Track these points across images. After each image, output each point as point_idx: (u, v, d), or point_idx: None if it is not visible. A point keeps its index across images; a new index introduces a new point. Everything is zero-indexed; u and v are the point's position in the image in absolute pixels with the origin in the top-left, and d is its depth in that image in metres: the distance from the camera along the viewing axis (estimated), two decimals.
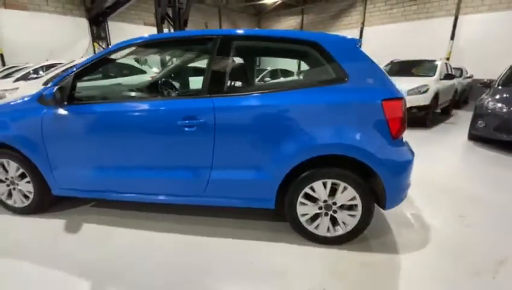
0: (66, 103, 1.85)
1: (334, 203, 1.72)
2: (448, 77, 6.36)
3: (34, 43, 11.28)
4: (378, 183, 1.66)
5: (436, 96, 5.73)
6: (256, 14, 19.70)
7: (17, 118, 1.99)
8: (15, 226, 2.06)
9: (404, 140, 1.77)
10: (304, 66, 1.81)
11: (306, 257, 1.73)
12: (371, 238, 1.90)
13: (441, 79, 6.14)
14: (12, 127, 1.98)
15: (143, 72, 5.30)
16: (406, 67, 6.76)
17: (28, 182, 2.09)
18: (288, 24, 18.25)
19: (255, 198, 1.81)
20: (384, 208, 1.72)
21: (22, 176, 2.09)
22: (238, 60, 1.82)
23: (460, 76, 8.51)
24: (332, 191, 1.70)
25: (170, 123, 1.72)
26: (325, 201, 1.73)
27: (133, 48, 1.90)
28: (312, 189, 1.71)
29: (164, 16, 6.89)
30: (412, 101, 5.23)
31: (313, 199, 1.74)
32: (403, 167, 1.65)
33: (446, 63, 7.11)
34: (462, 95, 8.98)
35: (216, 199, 1.86)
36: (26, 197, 2.15)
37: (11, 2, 11.33)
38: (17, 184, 2.12)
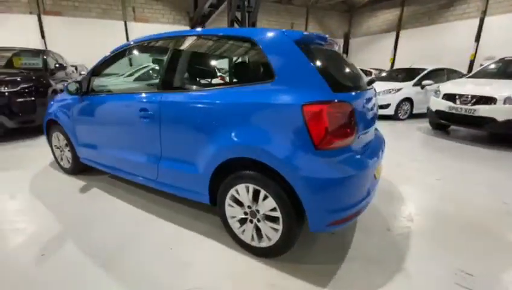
0: (82, 93, 2.43)
1: (258, 211, 1.61)
2: None
3: None
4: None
5: None
6: (348, 11, 18.36)
7: (59, 102, 2.76)
8: (57, 178, 2.85)
9: (354, 154, 1.45)
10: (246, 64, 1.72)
11: (222, 258, 1.69)
12: (309, 262, 1.66)
13: None
14: (57, 109, 2.76)
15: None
16: None
17: (69, 150, 2.85)
18: (384, 18, 16.22)
19: (193, 191, 1.88)
20: (310, 228, 1.47)
21: (67, 145, 2.87)
22: (185, 59, 1.90)
23: None
24: (257, 198, 1.59)
25: (133, 113, 2.01)
26: (249, 207, 1.63)
27: (125, 51, 2.29)
28: (237, 192, 1.65)
29: (233, 20, 7.46)
30: None
31: (239, 203, 1.68)
32: (323, 185, 1.36)
33: None
34: None
35: (165, 186, 2.04)
36: (68, 161, 2.94)
37: (140, 17, 14.70)
38: (64, 151, 2.93)
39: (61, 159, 3.03)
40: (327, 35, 1.74)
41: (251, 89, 1.55)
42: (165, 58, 1.91)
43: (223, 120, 1.60)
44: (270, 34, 1.55)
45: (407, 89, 6.69)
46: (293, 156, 1.38)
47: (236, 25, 7.77)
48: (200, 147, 1.72)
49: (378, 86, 7.06)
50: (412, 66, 7.72)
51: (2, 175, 2.97)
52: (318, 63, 1.46)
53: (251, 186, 1.57)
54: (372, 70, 10.09)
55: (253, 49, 1.56)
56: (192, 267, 1.61)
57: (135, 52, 2.31)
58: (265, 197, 1.54)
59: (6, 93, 4.15)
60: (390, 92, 6.65)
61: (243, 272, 1.58)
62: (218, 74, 1.78)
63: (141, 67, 6.16)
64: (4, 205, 2.33)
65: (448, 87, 5.08)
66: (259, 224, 1.62)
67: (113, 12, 14.07)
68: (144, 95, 1.99)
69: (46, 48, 12.47)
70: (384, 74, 8.22)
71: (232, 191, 1.66)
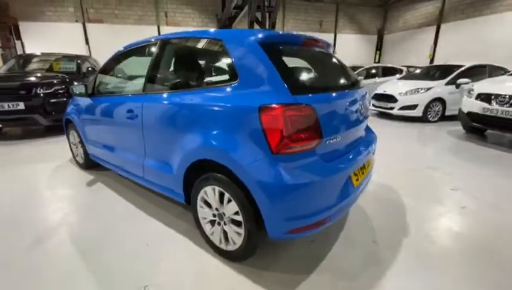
0: (88, 94, 2.63)
1: (224, 214, 1.59)
2: None
3: None
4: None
5: None
6: (382, 5, 17.31)
7: (73, 103, 3.02)
8: (72, 172, 3.13)
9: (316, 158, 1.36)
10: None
11: (191, 258, 1.70)
12: (277, 270, 1.60)
13: None
14: (72, 109, 3.03)
15: None
16: None
17: (81, 147, 3.10)
18: (423, 11, 15.00)
19: (171, 190, 1.92)
20: (269, 235, 1.42)
21: (80, 142, 3.13)
22: (162, 62, 1.95)
23: None
24: (223, 201, 1.58)
25: (122, 114, 2.13)
26: (217, 209, 1.63)
27: (118, 57, 2.44)
28: (206, 193, 1.65)
29: (253, 21, 7.48)
30: None
31: (209, 204, 1.68)
32: (279, 191, 1.29)
33: None
34: None
35: (150, 184, 2.12)
36: (81, 157, 3.20)
37: (172, 21, 15.46)
38: (78, 148, 3.20)
39: (77, 155, 3.31)
40: (307, 34, 1.66)
41: (216, 91, 1.54)
42: (149, 61, 1.99)
43: (190, 122, 1.61)
44: (237, 36, 1.52)
45: (439, 88, 6.10)
46: (250, 159, 1.34)
47: (256, 26, 7.78)
48: (173, 148, 1.75)
49: (403, 85, 6.56)
50: (447, 63, 7.02)
51: (29, 167, 3.33)
52: (281, 65, 1.40)
53: (217, 189, 1.56)
54: (403, 68, 9.36)
55: (222, 51, 1.54)
56: (161, 264, 1.65)
57: (125, 58, 2.45)
58: (229, 200, 1.52)
59: (42, 94, 4.66)
60: (417, 92, 6.12)
61: (207, 274, 1.58)
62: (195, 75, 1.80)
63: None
64: (19, 192, 2.62)
65: (483, 86, 4.53)
66: (225, 227, 1.61)
67: (147, 18, 14.99)
68: (131, 96, 2.10)
69: (90, 53, 13.74)
70: (417, 72, 7.56)
71: (202, 193, 1.67)
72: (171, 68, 1.97)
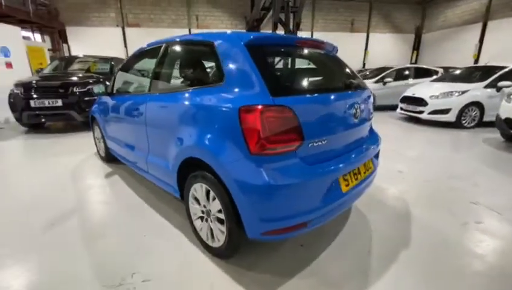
0: (107, 93, 2.86)
1: (210, 211, 1.64)
2: None
3: None
4: None
5: None
6: (420, 2, 16.21)
7: (97, 101, 3.29)
8: (94, 164, 3.41)
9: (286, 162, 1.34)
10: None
11: (181, 251, 1.77)
12: (260, 271, 1.60)
13: None
14: (95, 106, 3.30)
15: None
16: None
17: (103, 141, 3.37)
18: (467, 8, 13.79)
19: (168, 184, 2.01)
20: (247, 235, 1.43)
21: (102, 137, 3.40)
22: (162, 64, 2.05)
23: None
24: (209, 198, 1.62)
25: (133, 112, 2.28)
26: (204, 206, 1.68)
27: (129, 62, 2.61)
28: (195, 190, 1.71)
29: (277, 22, 7.47)
30: None
31: (198, 201, 1.73)
32: (255, 191, 1.29)
33: None
34: None
35: (153, 177, 2.24)
36: (103, 151, 3.48)
37: (202, 24, 15.99)
38: (100, 142, 3.48)
39: (100, 149, 3.60)
40: (301, 35, 1.64)
41: (204, 91, 1.58)
42: (154, 63, 2.12)
43: (182, 121, 1.69)
44: (225, 37, 1.56)
45: (476, 91, 5.56)
46: (230, 159, 1.37)
47: (280, 27, 7.76)
48: (169, 145, 1.84)
49: (436, 87, 6.09)
50: (488, 64, 6.37)
51: (59, 158, 3.70)
52: (265, 67, 1.40)
53: (204, 186, 1.61)
54: (439, 69, 8.67)
55: (212, 53, 1.58)
56: (152, 255, 1.74)
57: (138, 59, 2.62)
58: (214, 198, 1.56)
59: (77, 93, 5.13)
60: (451, 95, 5.64)
61: (191, 268, 1.63)
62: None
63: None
64: (42, 180, 2.93)
65: None
66: (211, 224, 1.65)
67: (180, 21, 15.71)
68: (140, 96, 2.24)
69: (127, 55, 14.79)
70: (454, 73, 6.93)
71: (192, 189, 1.73)
72: (170, 70, 2.07)
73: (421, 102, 6.02)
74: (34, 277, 1.56)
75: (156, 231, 2.01)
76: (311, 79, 1.62)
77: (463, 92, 5.59)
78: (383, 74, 8.21)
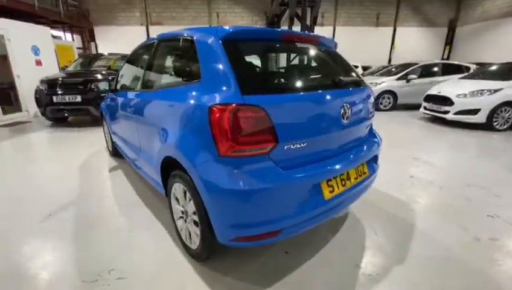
0: (111, 90, 2.93)
1: (187, 212, 1.59)
2: None
3: None
4: None
5: None
6: None
7: (105, 98, 3.39)
8: (102, 158, 3.54)
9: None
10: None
11: (162, 250, 1.76)
12: (235, 277, 1.54)
13: None
14: (103, 103, 3.40)
15: None
16: None
17: (110, 136, 3.48)
18: (505, 1, 12.48)
19: (156, 182, 2.00)
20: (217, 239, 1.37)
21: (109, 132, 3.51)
22: (154, 61, 2.02)
23: None
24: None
25: (127, 109, 2.31)
26: (183, 206, 1.64)
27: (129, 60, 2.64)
28: (175, 189, 1.68)
29: (293, 16, 7.26)
30: None
31: (178, 200, 1.70)
32: (222, 195, 1.22)
33: None
34: None
35: (144, 173, 2.25)
36: (110, 145, 3.59)
37: (223, 21, 16.06)
38: (108, 137, 3.60)
39: (108, 143, 3.73)
40: (286, 28, 1.54)
41: (183, 89, 1.53)
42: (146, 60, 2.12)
43: (162, 119, 1.66)
44: (204, 33, 1.49)
45: (511, 90, 5.00)
46: (200, 160, 1.31)
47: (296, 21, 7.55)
48: (153, 143, 1.83)
49: (464, 85, 5.58)
50: None
51: (68, 151, 3.90)
52: (239, 63, 1.32)
53: (181, 186, 1.57)
54: (471, 65, 7.93)
55: (193, 49, 1.53)
56: (134, 252, 1.75)
57: (133, 59, 2.65)
58: (190, 199, 1.51)
59: (95, 89, 5.36)
60: (481, 94, 5.13)
61: (168, 267, 1.61)
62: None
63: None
64: (51, 171, 3.08)
65: None
66: (188, 225, 1.61)
67: (201, 18, 15.91)
68: (133, 93, 2.26)
69: None
70: (487, 70, 6.29)
71: (173, 188, 1.70)
72: (158, 67, 2.05)
73: (446, 101, 5.55)
74: (20, 260, 1.63)
75: (143, 227, 2.02)
76: (292, 76, 1.50)
77: (495, 91, 5.06)
78: (406, 71, 7.68)
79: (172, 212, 1.81)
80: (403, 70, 7.81)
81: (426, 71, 7.79)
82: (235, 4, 15.72)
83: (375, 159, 1.88)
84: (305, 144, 1.35)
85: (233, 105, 1.19)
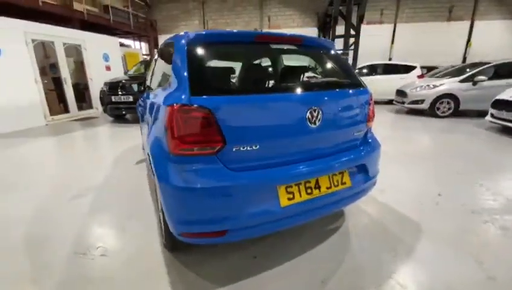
0: (140, 91, 3.30)
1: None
2: None
3: None
4: None
5: None
6: None
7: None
8: (135, 154, 4.00)
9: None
10: None
11: (146, 238, 1.92)
12: (202, 274, 1.59)
13: None
14: (137, 104, 3.85)
15: None
16: None
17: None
18: None
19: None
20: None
21: None
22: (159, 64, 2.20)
23: None
24: None
25: (145, 106, 2.58)
26: (157, 199, 1.77)
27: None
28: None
29: (337, 16, 6.93)
30: None
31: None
32: (167, 190, 1.30)
33: None
34: None
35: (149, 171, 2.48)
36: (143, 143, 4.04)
37: (273, 24, 16.24)
38: (142, 135, 4.06)
39: (142, 139, 4.20)
40: (265, 30, 1.52)
41: (160, 92, 1.67)
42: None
43: (149, 119, 1.83)
44: (178, 37, 1.59)
45: None
46: (158, 157, 1.42)
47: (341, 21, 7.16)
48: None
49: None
50: None
51: (103, 145, 4.51)
52: (196, 65, 1.37)
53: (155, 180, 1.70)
54: None
55: (172, 53, 1.64)
56: (125, 234, 1.97)
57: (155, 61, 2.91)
58: None
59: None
60: None
61: (145, 253, 1.76)
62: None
63: None
64: (84, 164, 3.61)
65: None
66: (161, 217, 1.72)
67: (253, 22, 16.40)
68: (148, 94, 2.53)
69: None
70: None
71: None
72: (160, 69, 2.23)
73: None
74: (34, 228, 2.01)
75: (141, 213, 2.25)
76: (250, 79, 1.47)
77: None
78: (473, 71, 6.53)
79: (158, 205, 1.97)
80: (471, 71, 6.67)
81: (501, 72, 6.48)
82: (286, 7, 15.72)
83: (364, 169, 1.69)
84: (258, 146, 1.32)
85: (179, 105, 1.25)
